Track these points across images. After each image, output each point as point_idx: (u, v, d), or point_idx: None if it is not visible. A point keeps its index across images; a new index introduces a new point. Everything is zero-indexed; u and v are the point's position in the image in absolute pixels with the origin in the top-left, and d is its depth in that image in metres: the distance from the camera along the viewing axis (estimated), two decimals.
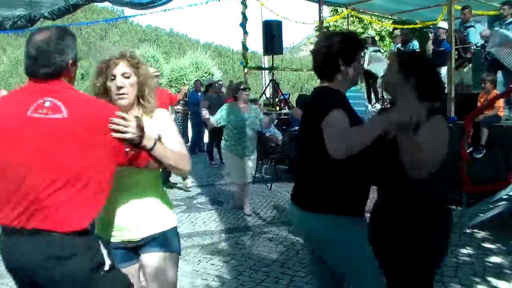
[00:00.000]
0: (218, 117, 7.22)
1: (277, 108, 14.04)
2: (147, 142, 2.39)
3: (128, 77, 2.67)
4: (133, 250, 2.80)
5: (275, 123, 10.74)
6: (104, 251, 2.41)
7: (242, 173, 7.41)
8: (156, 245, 2.76)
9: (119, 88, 2.64)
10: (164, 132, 2.71)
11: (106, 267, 2.32)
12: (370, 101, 13.21)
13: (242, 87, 7.50)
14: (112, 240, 2.73)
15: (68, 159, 2.17)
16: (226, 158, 7.63)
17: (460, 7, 11.01)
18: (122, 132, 2.27)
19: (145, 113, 2.74)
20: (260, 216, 7.33)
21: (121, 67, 2.67)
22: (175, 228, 2.88)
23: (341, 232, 2.79)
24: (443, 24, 10.76)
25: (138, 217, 2.70)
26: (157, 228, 2.75)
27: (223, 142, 7.52)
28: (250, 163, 7.53)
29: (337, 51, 2.83)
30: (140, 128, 2.33)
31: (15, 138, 2.17)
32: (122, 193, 2.64)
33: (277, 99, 15.08)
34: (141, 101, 2.74)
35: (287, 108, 14.16)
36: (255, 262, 5.38)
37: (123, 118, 2.28)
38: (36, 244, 2.17)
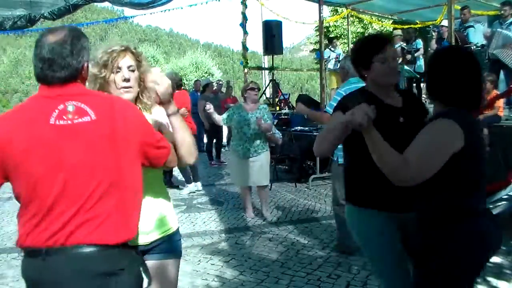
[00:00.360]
0: (225, 117, 7.19)
1: (277, 108, 14.05)
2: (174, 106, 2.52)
3: (133, 71, 2.59)
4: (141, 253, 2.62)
5: (275, 123, 10.73)
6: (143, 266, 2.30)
7: (243, 176, 7.13)
8: (163, 251, 2.66)
9: (126, 80, 2.55)
10: (163, 127, 2.66)
11: (145, 284, 2.24)
12: None
13: (249, 87, 7.21)
14: None
15: (106, 162, 2.07)
16: (230, 158, 7.54)
17: (459, 7, 11.03)
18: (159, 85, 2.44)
19: (145, 109, 2.66)
20: (260, 216, 7.32)
21: (127, 60, 2.58)
22: (178, 229, 2.81)
23: (355, 221, 3.07)
24: (446, 23, 10.78)
25: (148, 220, 2.55)
26: (165, 231, 2.67)
27: (231, 143, 7.40)
28: (256, 165, 7.04)
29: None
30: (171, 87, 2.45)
31: (41, 151, 2.00)
32: None
33: (277, 99, 15.09)
34: (141, 96, 2.66)
35: (287, 108, 14.17)
36: (255, 262, 5.38)
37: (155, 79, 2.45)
38: (79, 262, 1.99)
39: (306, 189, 9.27)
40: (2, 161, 2.01)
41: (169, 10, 13.69)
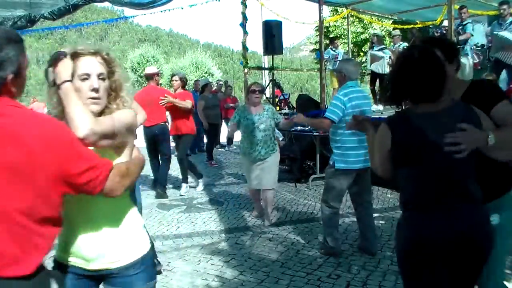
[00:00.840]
0: (235, 121, 6.93)
1: (277, 108, 14.05)
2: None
3: (103, 79, 2.29)
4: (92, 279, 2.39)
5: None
6: None
7: (252, 179, 6.98)
8: (111, 284, 2.36)
9: (95, 90, 2.24)
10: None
11: None
12: (375, 101, 13.20)
13: (252, 88, 6.93)
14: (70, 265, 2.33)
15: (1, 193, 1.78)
16: (241, 162, 7.50)
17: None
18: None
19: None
20: (260, 216, 7.32)
21: (97, 66, 2.28)
22: (137, 263, 2.36)
23: None
24: (446, 23, 10.79)
25: (89, 246, 2.27)
26: (111, 263, 2.30)
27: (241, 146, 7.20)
28: (265, 167, 6.86)
29: None
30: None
31: None
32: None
33: (277, 99, 15.09)
34: (109, 105, 2.34)
35: (287, 108, 14.17)
36: (255, 262, 5.38)
37: None
38: None
39: (306, 189, 9.27)
40: None
41: (169, 10, 13.68)
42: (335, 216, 5.58)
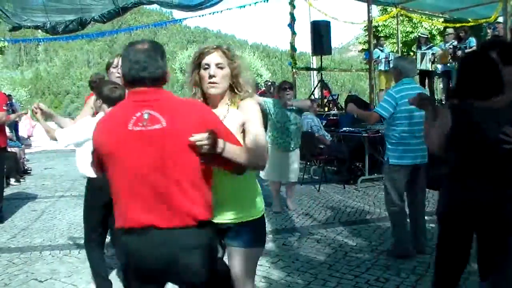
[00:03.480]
0: (268, 108, 7.36)
1: (326, 109, 13.97)
2: (219, 148, 2.41)
3: (221, 68, 2.78)
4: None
5: (323, 123, 10.67)
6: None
7: (280, 171, 7.48)
8: (229, 236, 2.88)
9: (211, 76, 2.76)
10: (247, 122, 2.76)
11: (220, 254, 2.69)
12: None
13: (283, 86, 7.46)
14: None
15: (177, 161, 2.36)
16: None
17: None
18: (200, 147, 2.34)
19: (233, 102, 2.85)
20: (308, 218, 7.29)
21: (215, 57, 2.78)
22: (253, 221, 2.88)
23: None
24: (501, 20, 10.47)
25: (224, 204, 2.78)
26: (235, 218, 2.82)
27: (267, 135, 7.43)
28: (293, 160, 7.53)
29: None
30: (214, 140, 2.36)
31: (119, 153, 2.39)
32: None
33: (325, 100, 15.00)
34: (236, 90, 2.85)
35: (335, 109, 14.07)
36: (302, 264, 5.35)
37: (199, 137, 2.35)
38: (170, 238, 2.39)
39: (354, 191, 9.17)
40: (100, 159, 2.51)
41: (218, 12, 13.80)
42: (401, 215, 5.54)
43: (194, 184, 2.42)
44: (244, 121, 2.77)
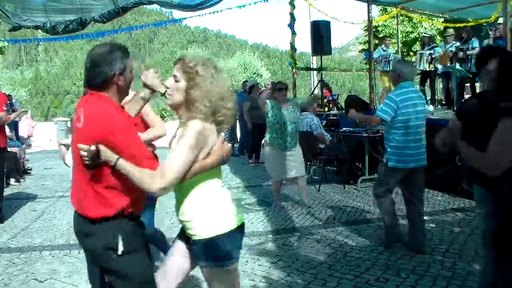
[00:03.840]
0: (268, 110, 7.57)
1: (326, 109, 13.97)
2: (110, 162, 2.57)
3: (177, 81, 2.79)
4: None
5: (323, 124, 10.67)
6: (120, 237, 2.72)
7: (282, 169, 7.64)
8: (193, 252, 2.93)
9: (166, 87, 2.86)
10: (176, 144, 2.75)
11: (119, 252, 2.71)
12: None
13: (278, 87, 7.70)
14: None
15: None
16: (267, 152, 7.90)
17: None
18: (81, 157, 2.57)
19: (182, 124, 2.85)
20: (308, 218, 7.29)
21: (175, 69, 2.82)
22: (209, 240, 2.81)
23: None
24: (501, 21, 10.44)
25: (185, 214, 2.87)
26: (192, 235, 2.85)
27: (266, 136, 7.84)
28: (296, 156, 7.68)
29: None
30: (95, 155, 2.55)
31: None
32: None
33: (325, 100, 14.99)
34: (188, 107, 2.79)
35: (335, 109, 14.06)
36: (302, 264, 5.35)
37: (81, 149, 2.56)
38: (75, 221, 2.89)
39: (354, 191, 9.17)
40: None
41: (217, 11, 13.79)
42: (391, 204, 5.73)
43: (97, 182, 2.66)
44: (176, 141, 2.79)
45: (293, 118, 7.57)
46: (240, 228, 2.90)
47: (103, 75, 2.70)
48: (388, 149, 5.59)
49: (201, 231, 2.78)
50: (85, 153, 2.52)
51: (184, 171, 2.63)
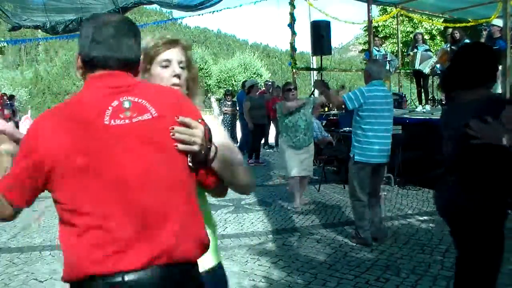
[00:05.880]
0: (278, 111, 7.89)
1: (326, 109, 13.95)
2: (212, 151, 1.86)
3: (183, 68, 2.19)
4: None
5: (323, 123, 10.68)
6: None
7: (300, 166, 7.76)
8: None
9: (177, 76, 2.15)
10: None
11: None
12: (420, 102, 13.00)
13: (287, 87, 7.86)
14: None
15: (179, 163, 1.78)
16: (284, 150, 7.95)
17: None
18: (188, 143, 1.75)
19: None
20: (308, 218, 7.29)
21: (177, 54, 2.19)
22: (211, 269, 2.28)
23: None
24: (498, 22, 10.43)
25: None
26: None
27: (281, 136, 8.08)
28: (310, 154, 7.92)
29: None
30: (209, 138, 1.82)
31: (102, 157, 1.68)
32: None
33: None
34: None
35: (335, 109, 14.05)
36: (302, 264, 5.35)
37: (188, 125, 1.77)
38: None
39: None
40: (44, 175, 1.71)
41: (217, 11, 13.78)
42: (364, 209, 5.93)
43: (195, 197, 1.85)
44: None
45: (304, 115, 7.70)
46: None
47: (137, 52, 1.89)
48: (355, 144, 5.85)
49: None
50: (197, 132, 1.75)
51: None
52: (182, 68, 2.18)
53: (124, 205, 1.67)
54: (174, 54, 2.17)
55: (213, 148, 1.85)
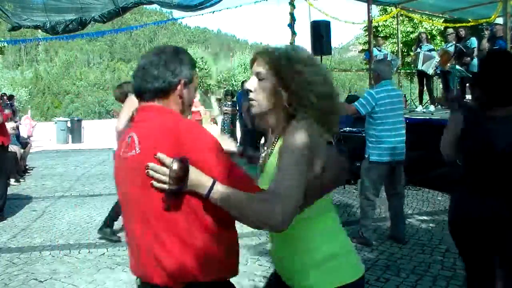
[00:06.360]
0: None
1: None
2: (200, 189, 1.74)
3: (261, 79, 1.99)
4: None
5: None
6: None
7: None
8: None
9: (247, 91, 2.04)
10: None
11: None
12: (421, 101, 13.00)
13: None
14: None
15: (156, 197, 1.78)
16: None
17: None
18: (161, 182, 1.73)
19: (271, 142, 2.11)
20: None
21: (255, 66, 2.03)
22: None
23: None
24: (501, 20, 10.41)
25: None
26: None
27: None
28: None
29: None
30: (179, 178, 1.70)
31: (118, 181, 1.99)
32: None
33: None
34: (293, 112, 1.94)
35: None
36: None
37: (162, 163, 1.73)
38: None
39: (355, 191, 9.15)
40: None
41: (217, 11, 13.78)
42: (371, 209, 5.97)
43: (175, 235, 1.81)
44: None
45: None
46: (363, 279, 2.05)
47: (165, 79, 1.89)
48: (369, 144, 5.86)
49: (319, 282, 1.96)
50: (163, 176, 1.71)
51: (301, 193, 1.79)
52: (260, 79, 2.01)
53: (128, 232, 2.01)
54: (254, 67, 2.09)
55: (198, 184, 1.74)
